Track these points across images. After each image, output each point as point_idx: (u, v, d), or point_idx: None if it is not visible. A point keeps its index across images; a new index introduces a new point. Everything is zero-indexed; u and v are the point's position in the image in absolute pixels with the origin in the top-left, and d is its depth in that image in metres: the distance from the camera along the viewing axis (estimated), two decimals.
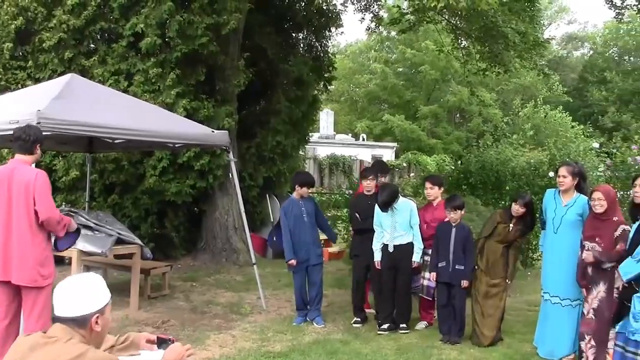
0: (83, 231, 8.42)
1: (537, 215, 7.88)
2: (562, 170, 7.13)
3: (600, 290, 6.47)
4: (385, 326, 8.11)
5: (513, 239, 7.67)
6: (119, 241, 8.68)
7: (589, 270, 6.54)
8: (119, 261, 9.60)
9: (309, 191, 8.62)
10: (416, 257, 8.03)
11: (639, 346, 5.87)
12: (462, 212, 7.85)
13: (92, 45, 12.38)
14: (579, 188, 7.11)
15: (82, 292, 3.09)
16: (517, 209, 7.54)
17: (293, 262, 8.38)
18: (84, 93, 8.24)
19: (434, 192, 8.37)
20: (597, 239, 6.45)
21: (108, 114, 7.92)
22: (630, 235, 6.20)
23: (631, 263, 5.97)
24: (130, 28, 11.57)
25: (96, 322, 3.07)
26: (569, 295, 6.96)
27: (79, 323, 3.04)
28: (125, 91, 11.14)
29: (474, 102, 36.14)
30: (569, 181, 7.04)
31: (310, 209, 8.52)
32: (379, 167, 9.19)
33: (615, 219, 6.38)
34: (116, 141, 8.36)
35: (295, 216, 8.43)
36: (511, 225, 7.63)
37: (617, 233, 6.32)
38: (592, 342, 6.50)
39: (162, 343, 3.43)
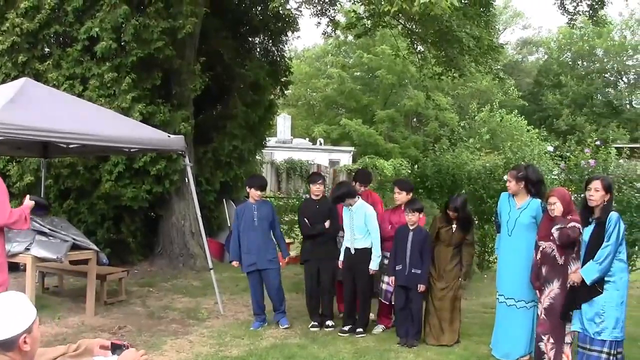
0: (37, 237, 8.37)
1: (493, 218, 8.02)
2: (507, 175, 7.40)
3: (553, 288, 6.60)
4: (346, 328, 8.21)
5: (459, 240, 7.80)
6: (75, 247, 8.63)
7: (543, 270, 6.65)
8: (74, 267, 9.51)
9: (259, 193, 8.54)
10: (372, 265, 8.06)
11: (604, 344, 6.08)
12: (420, 215, 7.92)
13: (46, 49, 12.25)
14: (533, 191, 7.20)
15: (6, 314, 2.94)
16: (451, 214, 7.74)
17: (235, 263, 8.57)
18: (38, 97, 8.16)
19: (401, 197, 8.30)
20: (551, 237, 6.56)
21: (62, 119, 7.86)
22: (586, 238, 6.33)
23: (594, 266, 6.13)
24: (85, 32, 11.46)
25: (24, 342, 2.96)
26: (524, 297, 7.06)
27: (7, 346, 2.91)
28: (80, 95, 11.05)
29: (430, 106, 36.45)
30: (513, 185, 7.20)
31: (264, 214, 8.47)
32: (360, 176, 9.21)
33: (569, 217, 6.49)
34: (71, 146, 8.31)
35: (245, 219, 8.46)
36: (453, 226, 7.75)
37: (568, 226, 6.42)
38: (551, 341, 6.62)
39: (116, 349, 3.39)
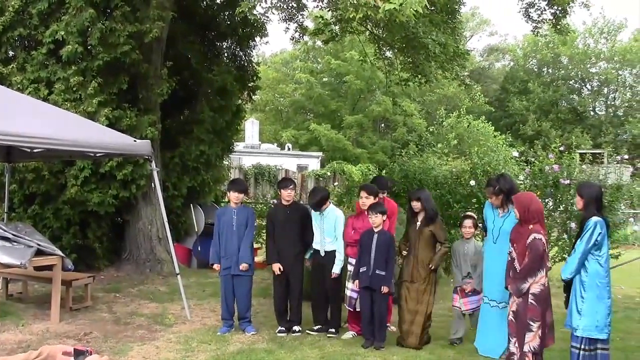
0: (1, 243, 8.27)
1: (480, 222, 8.33)
2: (487, 191, 7.75)
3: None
4: (315, 327, 8.36)
5: (428, 236, 7.97)
6: (39, 252, 8.54)
7: (511, 273, 6.77)
8: (39, 273, 9.39)
9: (236, 195, 8.44)
10: (335, 268, 8.17)
11: (578, 340, 6.34)
12: (384, 217, 7.94)
13: (10, 52, 12.13)
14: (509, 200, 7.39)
15: None
16: (414, 204, 8.07)
17: (216, 266, 8.45)
18: (1, 101, 8.09)
19: (369, 202, 8.23)
20: (514, 245, 6.74)
21: (27, 123, 7.78)
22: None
23: (565, 265, 6.49)
24: (50, 35, 11.36)
25: None
26: (506, 299, 7.18)
27: None
28: (45, 100, 10.96)
29: (398, 111, 36.65)
30: (494, 200, 7.51)
31: (242, 219, 8.41)
32: (379, 183, 9.01)
33: (530, 227, 6.62)
34: (35, 150, 8.20)
35: (224, 222, 8.43)
36: (418, 222, 8.04)
37: (528, 241, 6.56)
38: (516, 345, 6.74)
39: (79, 355, 3.37)
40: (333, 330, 8.31)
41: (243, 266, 8.31)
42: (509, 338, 6.89)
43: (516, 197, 6.97)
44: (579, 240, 6.38)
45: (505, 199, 7.41)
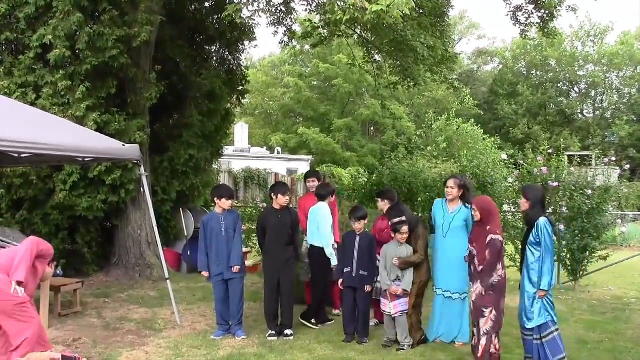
0: None
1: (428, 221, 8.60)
2: (450, 182, 8.13)
3: (476, 288, 7.04)
4: (313, 320, 8.88)
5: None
6: None
7: (471, 268, 7.15)
8: None
9: (230, 202, 8.48)
10: (333, 261, 8.59)
11: (533, 330, 6.79)
12: (365, 221, 8.27)
13: None
14: (464, 198, 8.02)
15: None
16: (379, 203, 8.66)
17: (205, 274, 8.45)
18: None
19: (383, 205, 8.73)
20: (474, 244, 7.08)
21: (14, 128, 7.73)
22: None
23: (542, 276, 6.75)
24: (37, 39, 11.31)
25: None
26: (458, 289, 8.06)
27: None
28: (33, 104, 10.89)
29: (387, 115, 36.70)
30: (456, 192, 8.02)
31: (230, 223, 8.42)
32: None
33: (488, 228, 6.94)
34: (23, 155, 8.15)
35: (212, 229, 8.39)
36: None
37: (487, 240, 6.88)
38: (475, 329, 7.15)
39: None
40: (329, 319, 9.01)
41: (236, 268, 8.34)
42: (473, 323, 7.20)
43: (476, 201, 7.25)
44: (532, 246, 6.76)
45: (462, 196, 8.00)
